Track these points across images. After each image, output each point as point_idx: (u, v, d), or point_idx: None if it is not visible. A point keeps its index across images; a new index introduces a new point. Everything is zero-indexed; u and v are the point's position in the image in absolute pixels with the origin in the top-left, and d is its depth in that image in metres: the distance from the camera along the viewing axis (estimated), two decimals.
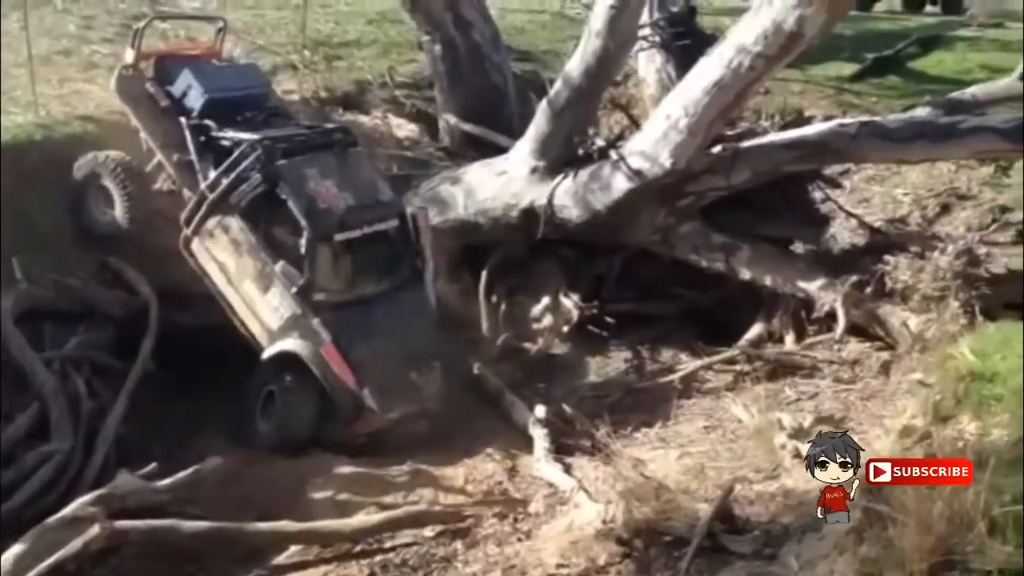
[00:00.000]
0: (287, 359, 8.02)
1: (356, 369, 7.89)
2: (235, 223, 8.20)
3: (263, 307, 8.15)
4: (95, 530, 6.07)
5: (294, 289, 7.95)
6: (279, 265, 8.01)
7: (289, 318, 8.03)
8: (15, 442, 7.21)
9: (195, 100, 8.72)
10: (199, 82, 8.78)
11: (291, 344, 8.00)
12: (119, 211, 8.78)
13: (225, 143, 8.49)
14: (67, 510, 6.35)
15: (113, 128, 9.59)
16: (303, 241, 7.99)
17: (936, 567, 3.29)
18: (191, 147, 8.56)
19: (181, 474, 6.91)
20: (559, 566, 5.96)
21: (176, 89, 8.88)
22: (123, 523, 6.22)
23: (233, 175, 8.19)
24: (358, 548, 6.47)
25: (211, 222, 8.28)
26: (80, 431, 7.46)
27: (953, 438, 4.86)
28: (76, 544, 6.00)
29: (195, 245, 8.40)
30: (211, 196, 8.27)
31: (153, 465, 6.96)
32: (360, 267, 8.46)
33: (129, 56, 9.16)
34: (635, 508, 6.13)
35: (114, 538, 6.13)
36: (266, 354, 8.13)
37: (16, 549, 6.03)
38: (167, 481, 6.85)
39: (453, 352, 8.83)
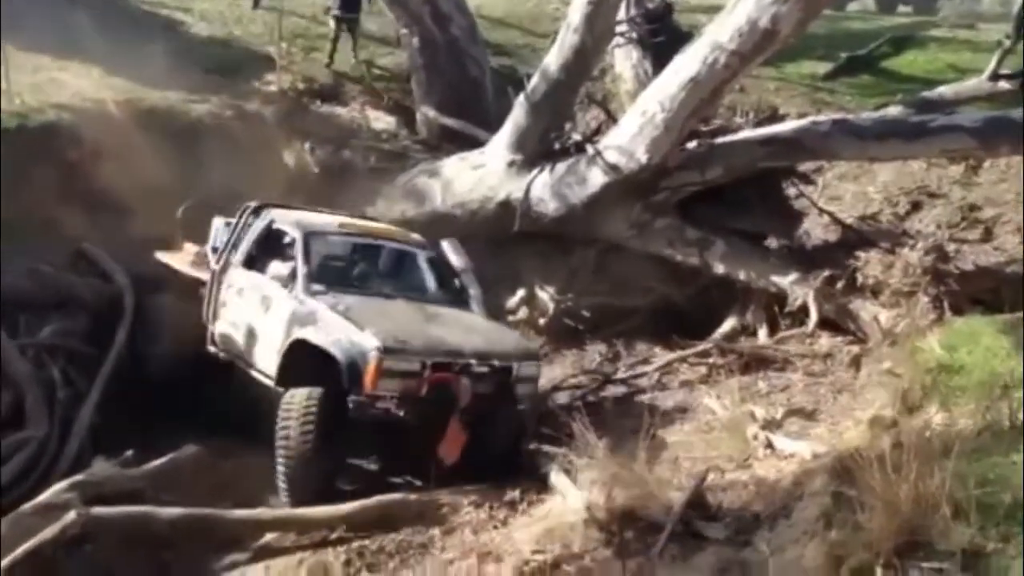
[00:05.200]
0: (293, 362, 7.32)
1: (354, 320, 7.17)
2: (237, 274, 8.20)
3: (269, 330, 7.65)
4: (71, 516, 6.03)
5: (288, 284, 7.64)
6: (270, 267, 7.87)
7: (289, 319, 7.47)
8: None
9: (221, 236, 8.69)
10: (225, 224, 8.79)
11: (294, 334, 7.36)
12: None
13: None
14: (42, 497, 6.32)
15: (88, 116, 9.55)
16: (296, 248, 7.87)
17: (902, 548, 3.39)
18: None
19: (157, 462, 6.90)
20: (535, 552, 6.00)
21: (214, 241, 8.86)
22: (99, 510, 6.18)
23: (231, 237, 8.37)
24: (335, 535, 6.48)
25: (222, 293, 8.23)
26: (55, 418, 7.44)
27: (920, 428, 4.97)
28: (52, 530, 5.96)
29: (217, 328, 8.21)
30: (217, 266, 8.31)
31: (129, 453, 6.93)
32: (371, 274, 8.27)
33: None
34: (611, 497, 6.21)
35: (90, 525, 6.08)
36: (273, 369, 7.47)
37: None
38: (143, 468, 6.83)
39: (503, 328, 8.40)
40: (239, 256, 8.30)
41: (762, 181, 10.24)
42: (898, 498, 3.53)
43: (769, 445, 7.14)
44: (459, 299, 8.44)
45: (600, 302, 10.18)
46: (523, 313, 10.09)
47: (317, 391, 6.95)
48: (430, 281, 8.50)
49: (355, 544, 6.36)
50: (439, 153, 11.23)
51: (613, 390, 9.09)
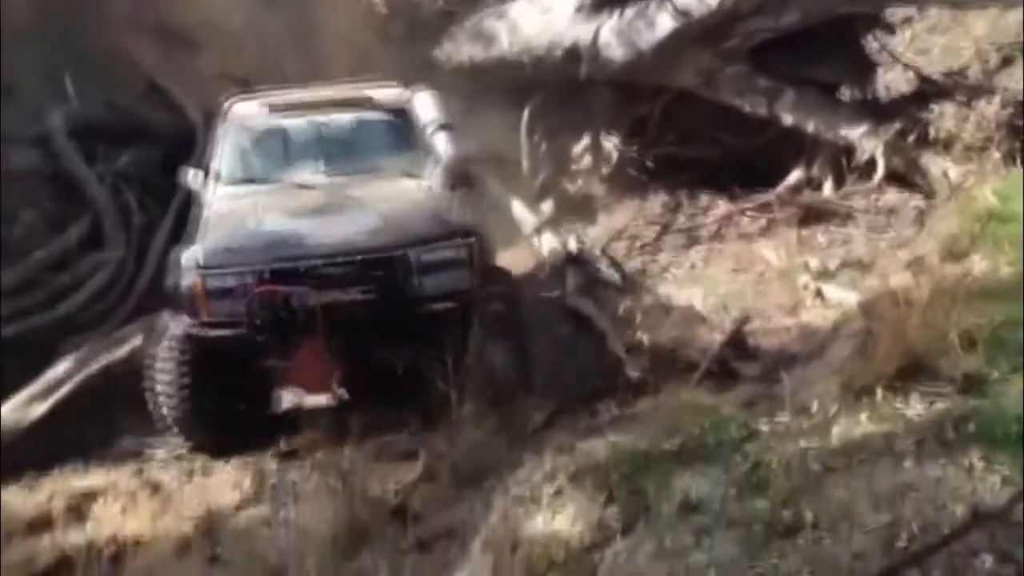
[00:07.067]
0: None
1: (204, 229, 6.02)
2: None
3: None
4: (138, 341, 6.46)
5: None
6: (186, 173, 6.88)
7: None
8: (68, 250, 7.64)
9: None
10: None
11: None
12: None
13: None
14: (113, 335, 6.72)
15: None
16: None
17: (905, 370, 3.47)
18: None
19: None
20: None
21: None
22: None
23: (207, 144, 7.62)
24: None
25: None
26: (132, 242, 7.83)
27: (960, 273, 4.95)
28: (121, 352, 6.46)
29: None
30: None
31: None
32: (299, 157, 6.88)
33: None
34: (653, 337, 6.42)
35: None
36: None
37: (63, 363, 6.41)
38: None
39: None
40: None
41: (840, 29, 9.79)
42: (904, 325, 3.58)
43: (819, 294, 7.18)
44: (421, 166, 6.85)
45: (665, 152, 10.07)
46: (587, 161, 10.09)
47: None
48: (388, 149, 7.00)
49: None
50: None
51: (671, 240, 9.14)
